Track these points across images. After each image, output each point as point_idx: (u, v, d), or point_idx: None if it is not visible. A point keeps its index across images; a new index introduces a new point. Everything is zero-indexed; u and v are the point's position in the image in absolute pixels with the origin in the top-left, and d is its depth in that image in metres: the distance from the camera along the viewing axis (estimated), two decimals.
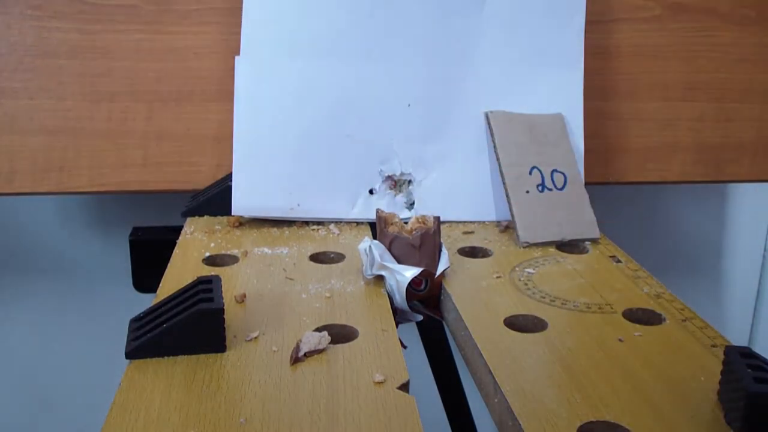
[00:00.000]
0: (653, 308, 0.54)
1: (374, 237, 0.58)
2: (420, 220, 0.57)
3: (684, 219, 1.02)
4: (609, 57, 0.78)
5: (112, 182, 0.73)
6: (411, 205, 0.71)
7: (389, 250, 0.56)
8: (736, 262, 1.05)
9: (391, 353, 0.45)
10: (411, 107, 0.71)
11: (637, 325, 0.51)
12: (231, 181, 0.68)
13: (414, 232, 0.56)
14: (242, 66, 0.69)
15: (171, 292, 0.48)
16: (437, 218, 0.57)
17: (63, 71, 0.71)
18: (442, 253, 0.58)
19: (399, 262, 0.56)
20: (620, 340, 0.49)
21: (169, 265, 0.59)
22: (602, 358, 0.46)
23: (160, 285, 0.55)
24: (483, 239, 0.67)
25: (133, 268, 0.74)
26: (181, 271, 0.58)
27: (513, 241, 0.67)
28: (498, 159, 0.70)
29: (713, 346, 0.48)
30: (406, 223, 0.57)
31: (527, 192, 0.68)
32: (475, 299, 0.55)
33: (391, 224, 0.56)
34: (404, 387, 0.42)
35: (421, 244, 0.55)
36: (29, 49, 0.71)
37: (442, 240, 0.59)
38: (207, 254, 0.61)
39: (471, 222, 0.72)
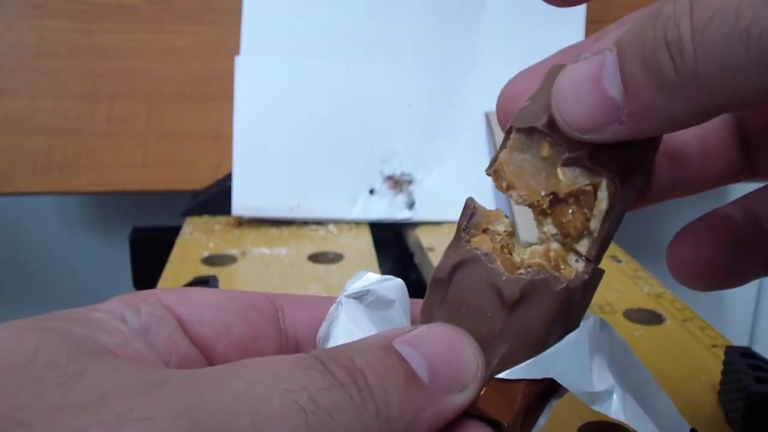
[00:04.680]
0: (653, 308, 0.54)
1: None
2: (550, 255, 0.24)
3: (684, 219, 1.01)
4: None
5: (112, 182, 0.73)
6: (411, 205, 0.71)
7: (442, 283, 0.24)
8: None
9: None
10: (411, 107, 0.71)
11: (638, 325, 0.51)
12: (231, 181, 0.68)
13: (521, 271, 0.23)
14: (242, 66, 0.69)
15: None
16: (598, 272, 0.25)
17: (63, 71, 0.71)
18: (548, 405, 0.25)
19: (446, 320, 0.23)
20: None
21: (167, 264, 0.59)
22: None
23: (158, 285, 0.55)
24: None
25: (133, 268, 0.74)
26: (179, 271, 0.58)
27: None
28: None
29: (713, 346, 0.48)
30: (508, 249, 0.24)
31: None
32: None
33: (483, 230, 0.25)
34: None
35: (518, 301, 0.23)
36: (29, 49, 0.71)
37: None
38: (206, 254, 0.61)
39: None
